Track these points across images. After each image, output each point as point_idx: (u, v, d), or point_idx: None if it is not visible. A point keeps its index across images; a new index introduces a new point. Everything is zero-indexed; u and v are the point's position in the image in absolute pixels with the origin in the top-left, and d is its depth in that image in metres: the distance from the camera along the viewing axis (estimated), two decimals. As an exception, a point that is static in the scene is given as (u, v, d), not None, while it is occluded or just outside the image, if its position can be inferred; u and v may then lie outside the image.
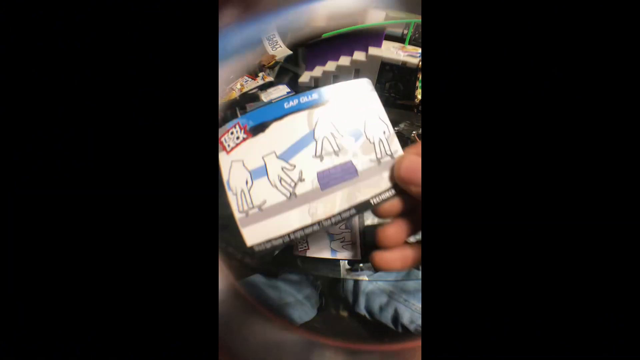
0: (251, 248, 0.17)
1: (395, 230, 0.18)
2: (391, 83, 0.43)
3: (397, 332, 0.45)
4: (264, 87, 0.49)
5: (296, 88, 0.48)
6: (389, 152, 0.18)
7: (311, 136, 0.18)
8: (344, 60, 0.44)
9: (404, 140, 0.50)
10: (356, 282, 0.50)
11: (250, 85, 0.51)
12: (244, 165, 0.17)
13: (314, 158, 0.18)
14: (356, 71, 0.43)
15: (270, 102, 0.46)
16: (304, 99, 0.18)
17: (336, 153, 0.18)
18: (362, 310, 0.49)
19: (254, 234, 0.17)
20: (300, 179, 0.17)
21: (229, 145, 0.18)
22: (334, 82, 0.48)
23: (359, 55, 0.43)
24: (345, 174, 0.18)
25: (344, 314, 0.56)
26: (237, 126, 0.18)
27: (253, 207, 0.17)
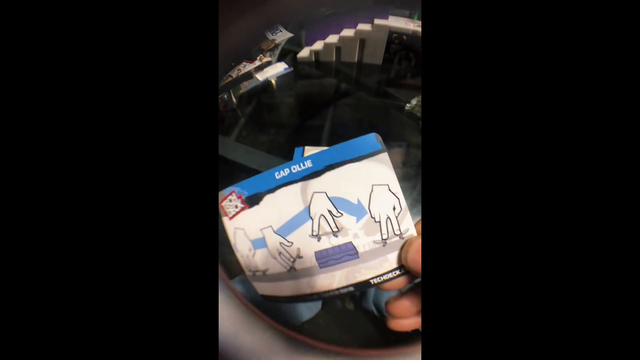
0: (262, 295, 0.19)
1: (405, 305, 0.17)
2: (401, 54, 0.39)
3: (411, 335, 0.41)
4: (261, 67, 0.46)
5: (295, 64, 0.44)
6: (397, 232, 0.16)
7: (307, 214, 0.16)
8: (347, 32, 0.40)
9: (415, 120, 0.46)
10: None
11: (248, 67, 0.48)
12: (245, 234, 0.17)
13: (310, 237, 0.16)
14: (361, 41, 0.39)
15: (262, 82, 0.43)
16: (295, 168, 0.16)
17: (335, 234, 0.16)
18: (370, 306, 0.46)
19: (263, 289, 0.18)
20: (299, 256, 0.17)
21: (229, 212, 0.17)
22: (337, 56, 0.44)
23: (363, 26, 0.39)
24: (344, 255, 0.16)
25: (350, 307, 0.53)
26: (233, 194, 0.17)
27: (258, 270, 0.18)
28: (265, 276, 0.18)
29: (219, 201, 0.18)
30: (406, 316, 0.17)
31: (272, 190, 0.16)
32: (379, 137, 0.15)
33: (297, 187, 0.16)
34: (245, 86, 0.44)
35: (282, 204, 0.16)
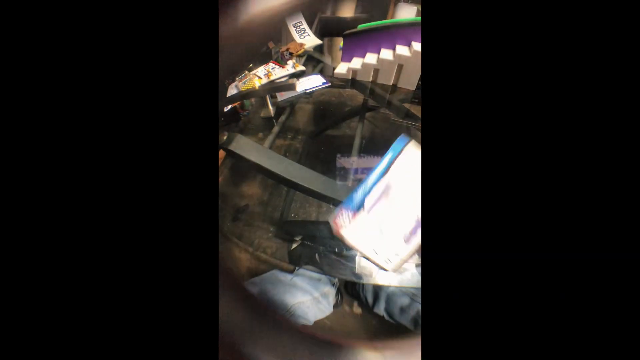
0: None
1: None
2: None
3: (414, 332, 0.44)
4: (296, 75, 0.47)
5: (332, 79, 0.45)
6: None
7: None
8: (386, 54, 0.42)
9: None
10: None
11: (279, 73, 0.48)
12: None
13: None
14: (399, 66, 0.41)
15: (300, 93, 0.44)
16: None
17: None
18: (382, 312, 0.48)
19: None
20: None
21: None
22: (374, 77, 0.46)
23: (402, 50, 0.41)
24: None
25: (358, 311, 0.56)
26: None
27: None
28: None
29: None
30: None
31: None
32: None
33: None
34: (282, 95, 0.44)
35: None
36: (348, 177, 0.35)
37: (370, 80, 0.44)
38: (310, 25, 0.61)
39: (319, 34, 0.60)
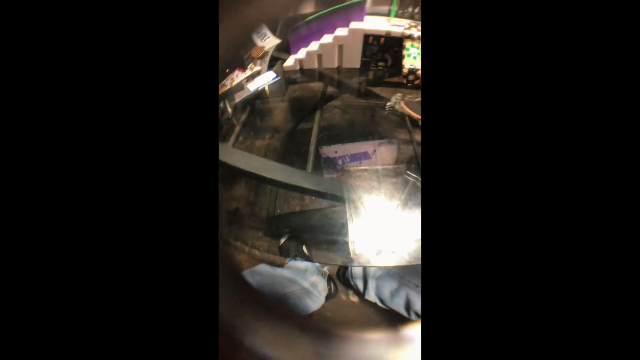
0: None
1: None
2: (377, 55, 0.41)
3: (409, 319, 0.43)
4: (252, 76, 0.49)
5: (282, 73, 0.47)
6: None
7: None
8: (327, 38, 0.43)
9: (400, 117, 0.48)
10: (365, 267, 0.49)
11: (240, 77, 0.51)
12: None
13: None
14: (339, 47, 0.42)
15: (254, 92, 0.46)
16: None
17: None
18: (373, 297, 0.48)
19: None
20: None
21: None
22: (319, 63, 0.47)
23: (340, 31, 0.42)
24: None
25: (354, 299, 0.55)
26: None
27: None
28: None
29: None
30: None
31: None
32: None
33: None
34: (239, 96, 0.47)
35: None
36: (327, 167, 0.36)
37: (316, 67, 0.45)
38: (274, 29, 0.64)
39: (283, 35, 0.63)
